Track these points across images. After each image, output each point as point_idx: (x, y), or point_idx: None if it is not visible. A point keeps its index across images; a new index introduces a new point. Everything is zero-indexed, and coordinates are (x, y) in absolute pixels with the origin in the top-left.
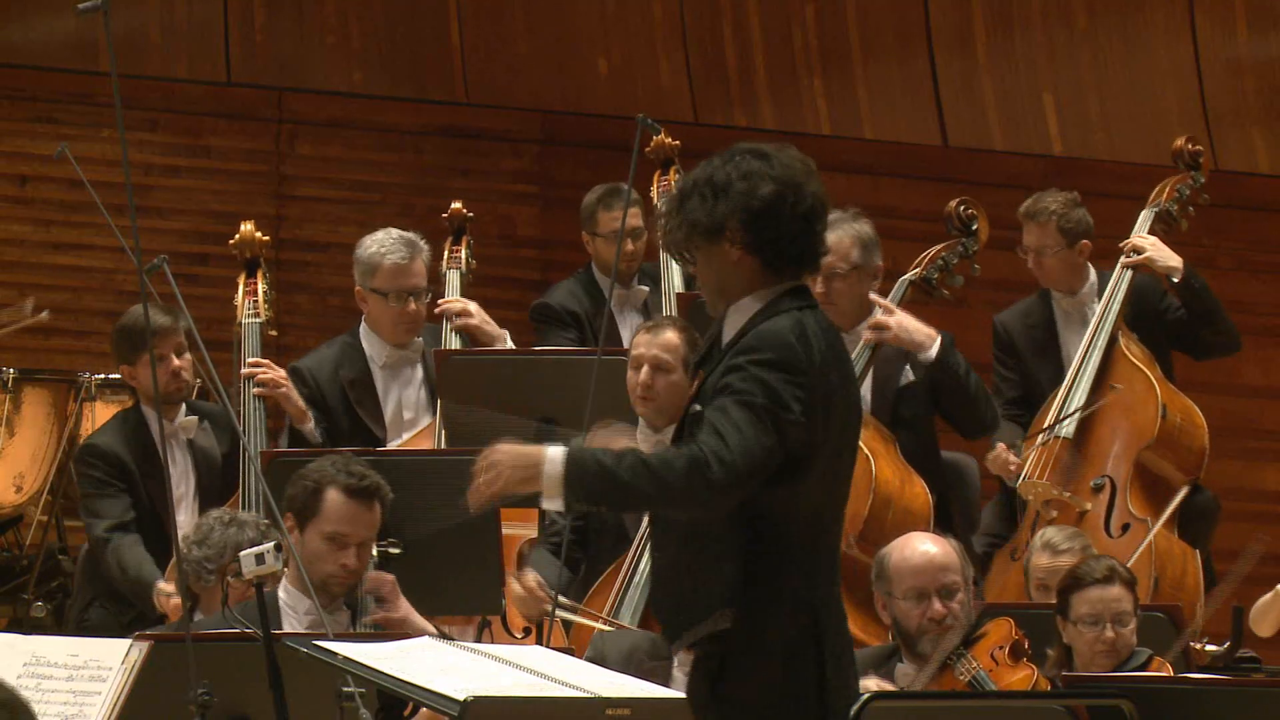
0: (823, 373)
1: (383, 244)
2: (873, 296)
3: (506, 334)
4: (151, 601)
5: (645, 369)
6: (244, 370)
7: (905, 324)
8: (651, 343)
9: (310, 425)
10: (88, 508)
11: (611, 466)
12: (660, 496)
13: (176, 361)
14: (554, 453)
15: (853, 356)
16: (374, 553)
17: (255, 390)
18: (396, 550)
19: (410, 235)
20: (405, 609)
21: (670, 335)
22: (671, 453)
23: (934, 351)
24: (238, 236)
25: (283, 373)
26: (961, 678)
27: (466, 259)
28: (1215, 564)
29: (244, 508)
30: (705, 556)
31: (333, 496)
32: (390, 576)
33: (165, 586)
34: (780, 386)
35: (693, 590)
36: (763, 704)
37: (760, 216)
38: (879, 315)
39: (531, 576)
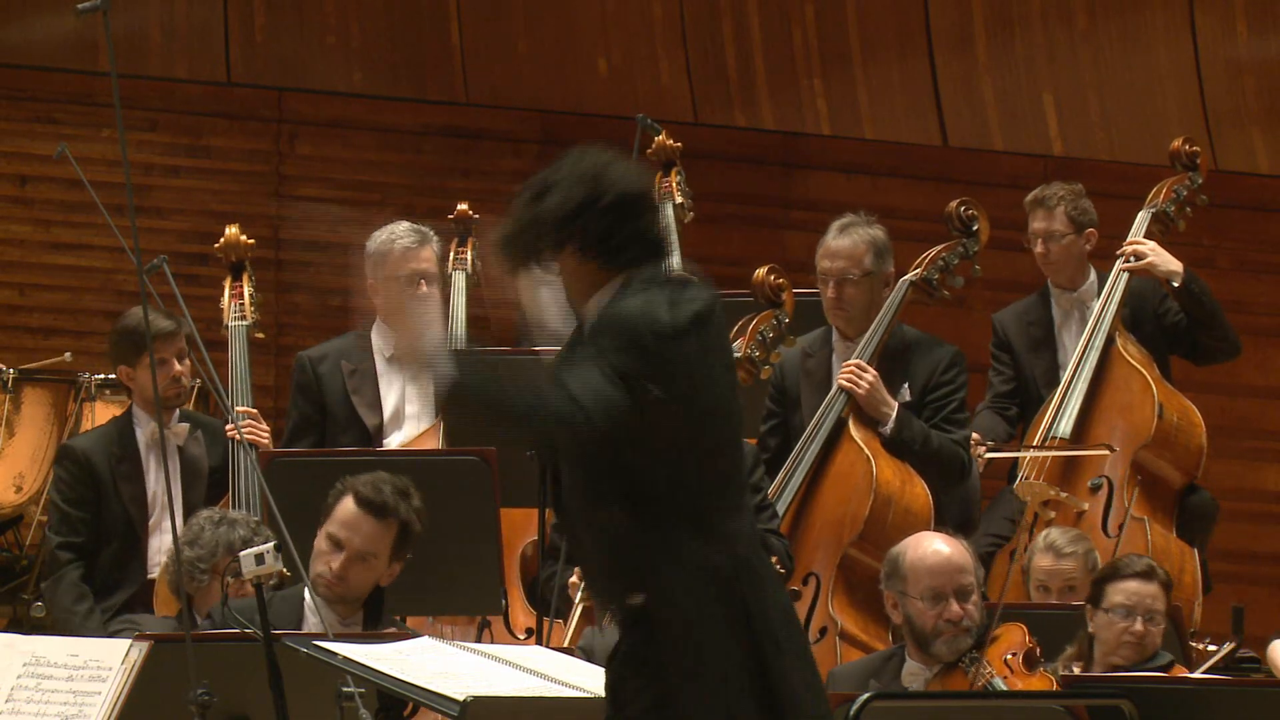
0: (676, 343)
1: (392, 232)
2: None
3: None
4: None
5: None
6: (230, 430)
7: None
8: None
9: None
10: (51, 513)
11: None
12: (529, 411)
13: (177, 367)
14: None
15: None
16: None
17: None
18: None
19: (419, 225)
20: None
21: None
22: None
23: (888, 428)
24: (222, 240)
25: (265, 433)
26: (976, 684)
27: (473, 260)
28: (1211, 563)
29: (235, 509)
30: (602, 540)
31: (346, 502)
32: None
33: None
34: (631, 364)
35: (604, 574)
36: (687, 684)
37: (568, 222)
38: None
39: None
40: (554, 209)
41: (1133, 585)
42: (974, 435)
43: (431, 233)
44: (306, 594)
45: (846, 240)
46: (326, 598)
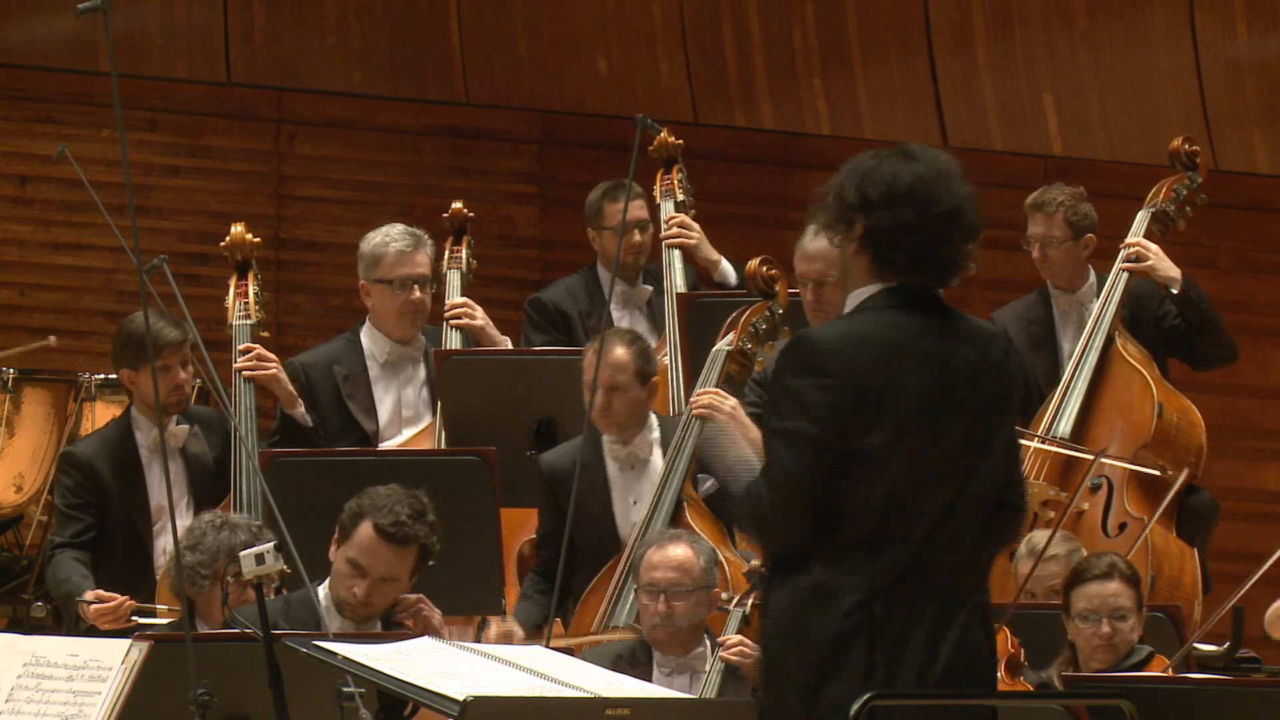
0: (867, 375)
1: (386, 234)
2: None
3: (508, 340)
4: (77, 612)
5: (600, 393)
6: (236, 365)
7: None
8: (602, 366)
9: (300, 410)
10: (56, 517)
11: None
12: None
13: (181, 375)
14: None
15: None
16: None
17: (245, 374)
18: None
19: (414, 229)
20: (436, 621)
21: (619, 353)
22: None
23: None
24: (228, 238)
25: (272, 356)
26: None
27: (467, 259)
28: (1211, 564)
29: (236, 509)
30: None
31: (364, 528)
32: (415, 595)
33: (89, 595)
34: (800, 392)
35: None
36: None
37: (876, 212)
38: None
39: (503, 629)
40: (874, 193)
41: (1093, 588)
42: None
43: (426, 236)
44: (322, 595)
45: (821, 242)
46: (353, 619)
